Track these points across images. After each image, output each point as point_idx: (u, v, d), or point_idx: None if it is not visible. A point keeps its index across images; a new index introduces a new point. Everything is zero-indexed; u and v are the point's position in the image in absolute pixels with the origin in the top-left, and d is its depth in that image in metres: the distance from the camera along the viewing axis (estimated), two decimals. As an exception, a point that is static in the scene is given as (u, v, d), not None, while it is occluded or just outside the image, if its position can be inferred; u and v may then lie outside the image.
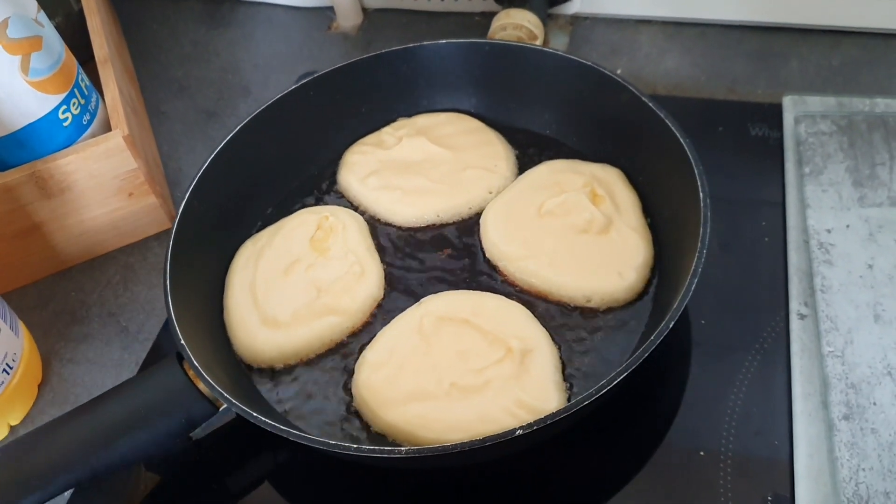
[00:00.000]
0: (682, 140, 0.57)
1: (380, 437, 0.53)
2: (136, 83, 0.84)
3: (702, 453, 0.51)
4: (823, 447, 0.50)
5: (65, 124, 0.64)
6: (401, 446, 0.51)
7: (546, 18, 0.79)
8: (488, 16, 0.80)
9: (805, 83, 0.72)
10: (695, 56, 0.77)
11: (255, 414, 0.48)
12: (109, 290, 0.68)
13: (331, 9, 0.89)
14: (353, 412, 0.54)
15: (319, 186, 0.69)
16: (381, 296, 0.60)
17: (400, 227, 0.65)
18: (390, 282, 0.61)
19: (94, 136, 0.66)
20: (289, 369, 0.57)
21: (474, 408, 0.51)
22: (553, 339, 0.55)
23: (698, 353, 0.56)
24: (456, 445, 0.45)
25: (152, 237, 0.71)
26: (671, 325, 0.48)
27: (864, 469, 0.48)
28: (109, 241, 0.70)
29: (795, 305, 0.56)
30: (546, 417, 0.45)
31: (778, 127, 0.68)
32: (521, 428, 0.45)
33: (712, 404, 0.53)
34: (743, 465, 0.50)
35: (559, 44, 0.80)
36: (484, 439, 0.45)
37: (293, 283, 0.59)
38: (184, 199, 0.60)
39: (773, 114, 0.69)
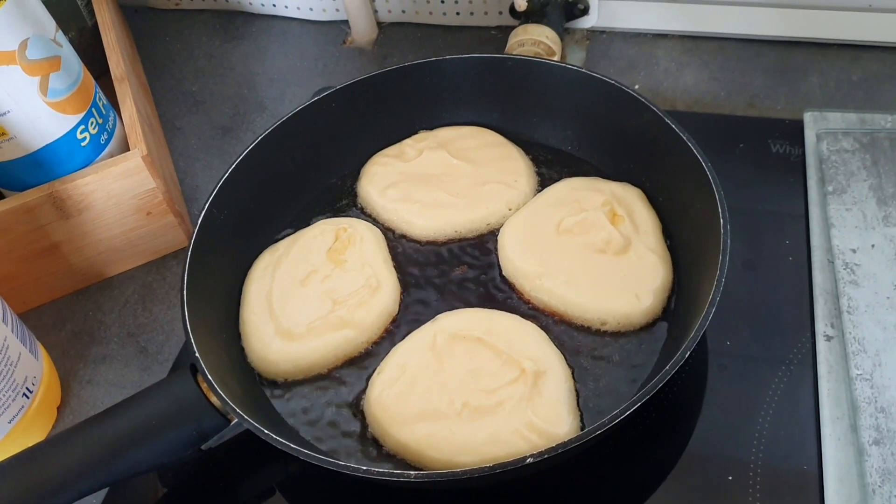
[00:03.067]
0: (703, 163, 0.56)
1: (391, 455, 0.53)
2: (150, 98, 0.84)
3: (730, 478, 0.51)
4: (854, 472, 0.49)
5: (83, 144, 0.64)
6: (411, 466, 0.51)
7: (563, 33, 0.78)
8: (504, 30, 0.79)
9: (825, 98, 0.71)
10: (713, 70, 0.76)
11: (265, 430, 0.48)
12: (128, 309, 0.67)
13: (346, 23, 0.88)
14: (366, 428, 0.54)
15: (339, 198, 0.68)
16: (397, 310, 0.60)
17: (418, 241, 0.64)
18: (406, 296, 0.61)
19: (111, 155, 0.66)
20: (302, 382, 0.57)
21: (485, 429, 0.51)
22: (567, 362, 0.55)
23: (723, 374, 0.56)
24: (465, 471, 0.45)
25: (170, 255, 0.70)
26: (687, 355, 0.48)
27: (896, 496, 0.47)
28: (128, 260, 0.70)
29: (822, 327, 0.55)
30: (558, 446, 0.45)
31: (799, 143, 0.67)
32: (531, 456, 0.45)
33: (739, 427, 0.53)
34: (772, 489, 0.50)
35: (576, 59, 0.79)
36: (493, 466, 0.45)
37: (309, 295, 0.59)
38: (203, 208, 0.60)
39: (793, 130, 0.68)
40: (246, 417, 0.49)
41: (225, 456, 0.57)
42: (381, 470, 0.46)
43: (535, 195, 0.65)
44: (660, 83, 0.75)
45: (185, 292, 0.55)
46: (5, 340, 0.55)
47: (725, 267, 0.51)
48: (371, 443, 0.53)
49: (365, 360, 0.58)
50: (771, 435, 0.52)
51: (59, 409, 0.62)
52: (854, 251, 0.58)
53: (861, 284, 0.56)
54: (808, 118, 0.68)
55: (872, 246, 0.58)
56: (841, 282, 0.57)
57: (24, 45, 0.58)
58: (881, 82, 0.72)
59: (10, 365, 0.55)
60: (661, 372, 0.47)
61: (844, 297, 0.56)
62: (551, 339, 0.56)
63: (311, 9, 0.88)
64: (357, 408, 0.55)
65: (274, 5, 0.90)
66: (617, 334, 0.56)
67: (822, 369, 0.54)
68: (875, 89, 0.71)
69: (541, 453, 0.45)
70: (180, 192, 0.76)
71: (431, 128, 0.70)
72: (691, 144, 0.57)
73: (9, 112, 0.59)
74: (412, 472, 0.45)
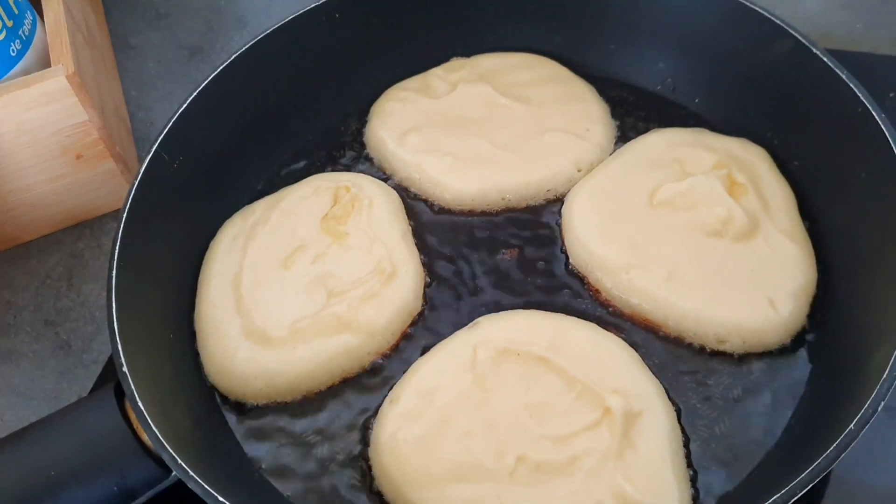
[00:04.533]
0: (877, 117, 0.43)
1: (407, 527, 0.38)
2: (98, 5, 0.71)
3: None
4: None
5: None
6: None
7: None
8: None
9: None
10: (844, -3, 0.64)
11: (219, 498, 0.34)
12: (48, 287, 0.55)
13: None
14: (369, 484, 0.41)
15: (339, 145, 0.56)
16: (419, 308, 0.47)
17: (449, 210, 0.51)
18: (432, 289, 0.48)
19: (27, 72, 0.53)
20: (281, 408, 0.44)
21: (553, 499, 0.38)
22: (670, 397, 0.41)
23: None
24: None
25: (109, 215, 0.58)
26: (880, 407, 0.33)
27: None
28: (50, 219, 0.57)
29: None
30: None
31: None
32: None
33: None
34: None
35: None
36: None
37: (294, 281, 0.46)
38: (150, 150, 0.47)
39: None
40: (191, 473, 0.35)
41: None
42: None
43: (613, 151, 0.53)
44: (773, 9, 0.59)
45: (113, 272, 0.42)
46: None
47: None
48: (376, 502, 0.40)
49: (372, 381, 0.44)
50: None
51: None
52: None
53: None
54: None
55: None
56: None
57: None
58: None
59: None
60: (845, 433, 0.33)
61: None
62: (645, 363, 0.43)
63: None
64: (360, 455, 0.42)
65: None
66: (741, 357, 0.43)
67: None
68: None
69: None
70: (129, 129, 0.63)
71: (470, 54, 0.58)
72: (854, 87, 0.44)
73: None
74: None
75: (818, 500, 0.40)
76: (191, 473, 0.34)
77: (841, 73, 0.45)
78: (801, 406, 0.40)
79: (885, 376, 0.34)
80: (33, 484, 0.36)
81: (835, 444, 0.32)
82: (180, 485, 0.40)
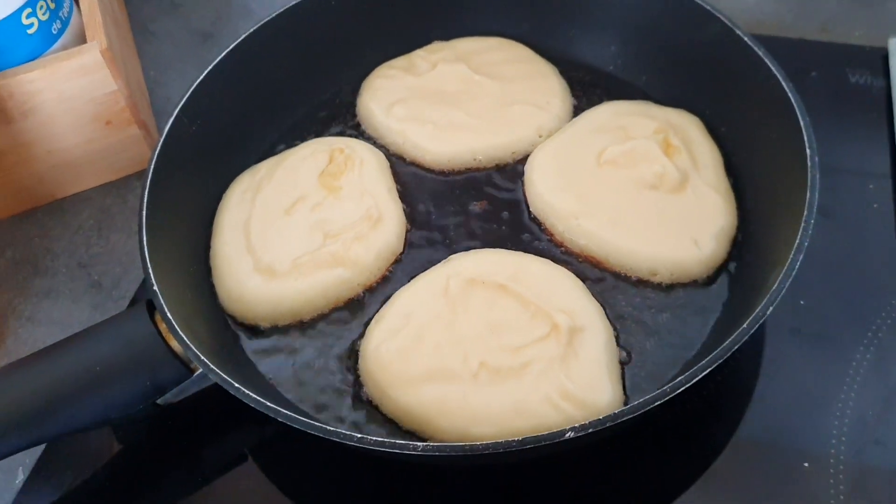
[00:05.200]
0: (785, 87, 0.48)
1: (389, 421, 0.44)
2: None
3: (806, 464, 0.43)
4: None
5: (29, 31, 0.55)
6: (412, 435, 0.43)
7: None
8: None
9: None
10: (778, -11, 0.68)
11: (236, 385, 0.40)
12: (81, 236, 0.59)
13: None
14: (359, 388, 0.46)
15: (335, 114, 0.60)
16: (401, 249, 0.52)
17: (429, 169, 0.56)
18: (412, 233, 0.52)
19: (65, 49, 0.57)
20: (283, 329, 0.49)
21: (508, 395, 0.43)
22: (608, 317, 0.46)
23: (798, 341, 0.48)
24: (487, 445, 0.36)
25: (133, 176, 0.62)
26: (769, 311, 0.39)
27: None
28: (82, 178, 0.61)
29: (916, 289, 0.47)
30: (605, 419, 0.36)
31: (883, 74, 0.60)
32: (571, 430, 0.36)
33: (818, 405, 0.45)
34: (859, 478, 0.42)
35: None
36: (523, 440, 0.36)
37: (295, 225, 0.51)
38: (172, 115, 0.51)
39: (875, 59, 0.61)
40: (213, 367, 0.41)
41: (187, 414, 0.48)
42: (380, 440, 0.37)
43: (570, 120, 0.57)
44: (714, 1, 0.65)
45: (144, 212, 0.47)
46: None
47: (814, 206, 0.43)
48: (366, 405, 0.45)
49: (361, 306, 0.49)
50: (856, 415, 0.45)
51: (-9, 348, 0.54)
52: (957, 199, 0.49)
53: (967, 238, 0.47)
54: (894, 45, 0.58)
55: (979, 193, 0.49)
56: (941, 235, 0.47)
57: None
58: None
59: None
60: (738, 331, 0.39)
61: (946, 253, 0.47)
62: (591, 291, 0.47)
63: None
64: (350, 362, 0.47)
65: None
66: (669, 287, 0.48)
67: (920, 339, 0.44)
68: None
69: (584, 426, 0.36)
70: (148, 102, 0.67)
71: (448, 38, 0.62)
72: (769, 63, 0.50)
73: (-67, -19, 0.49)
74: (419, 444, 0.36)
75: (723, 450, 0.44)
76: (212, 367, 0.40)
77: (758, 51, 0.50)
78: (716, 324, 0.46)
79: (775, 286, 0.39)
80: (82, 378, 0.41)
81: (731, 338, 0.38)
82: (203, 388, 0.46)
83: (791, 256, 0.40)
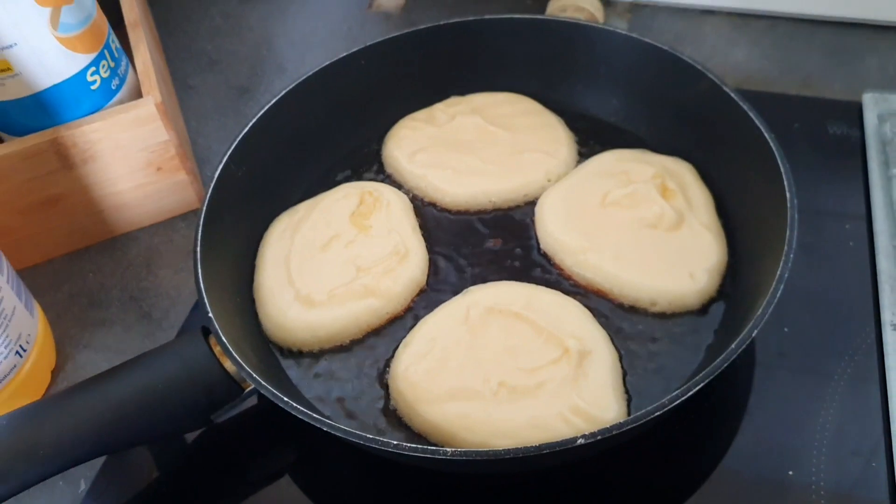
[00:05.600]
0: (767, 137, 0.53)
1: (417, 436, 0.48)
2: (162, 55, 0.80)
3: (791, 472, 0.47)
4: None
5: (92, 87, 0.60)
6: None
7: (605, 2, 0.75)
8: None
9: (884, 81, 0.68)
10: (764, 48, 0.72)
11: (285, 399, 0.44)
12: (131, 272, 0.63)
13: (372, -15, 0.84)
14: (390, 406, 0.50)
15: (364, 161, 0.65)
16: (425, 281, 0.56)
17: (448, 210, 0.60)
18: (435, 267, 0.57)
19: (121, 103, 0.62)
20: (321, 354, 0.53)
21: (525, 411, 0.47)
22: (613, 342, 0.51)
23: (784, 364, 0.52)
24: (508, 451, 0.40)
25: (179, 217, 0.66)
26: (754, 334, 0.44)
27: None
28: (133, 219, 0.65)
29: (889, 316, 0.52)
30: (612, 427, 0.41)
31: (858, 126, 0.64)
32: (583, 437, 0.41)
33: (798, 421, 0.49)
34: (838, 487, 0.46)
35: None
36: (541, 446, 0.40)
37: (331, 260, 0.55)
38: (221, 161, 0.56)
39: (852, 112, 0.65)
40: (264, 384, 0.45)
41: (234, 432, 0.53)
42: (413, 445, 0.41)
43: (576, 166, 0.61)
44: (708, 59, 0.71)
45: (198, 247, 0.51)
46: (0, 291, 0.50)
47: (794, 243, 0.47)
48: (396, 421, 0.49)
49: (390, 332, 0.54)
50: (836, 429, 0.49)
51: (53, 372, 0.58)
52: (924, 237, 0.54)
53: (934, 272, 0.52)
54: (868, 99, 0.64)
55: (944, 232, 0.54)
56: (911, 269, 0.53)
57: (35, -30, 0.53)
58: (941, 67, 0.68)
59: (5, 318, 0.50)
60: (727, 351, 0.43)
61: (915, 285, 0.52)
62: (596, 319, 0.52)
63: (336, -30, 0.84)
64: (381, 384, 0.51)
65: (297, -35, 0.86)
66: (667, 315, 0.52)
67: (891, 361, 0.50)
68: (935, 74, 0.68)
69: (593, 434, 0.41)
70: (191, 151, 0.71)
71: (465, 93, 0.66)
72: (753, 116, 0.54)
73: (15, 45, 0.54)
74: (448, 450, 0.41)
75: (716, 466, 0.48)
76: (263, 383, 0.44)
77: (743, 105, 0.54)
78: (709, 348, 0.50)
79: (759, 312, 0.43)
80: (146, 395, 0.45)
81: (721, 357, 0.42)
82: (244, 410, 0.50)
83: (773, 286, 0.45)
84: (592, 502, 0.49)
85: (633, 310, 0.53)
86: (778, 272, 0.46)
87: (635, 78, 0.62)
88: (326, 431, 0.43)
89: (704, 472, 0.49)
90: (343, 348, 0.53)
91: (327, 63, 0.63)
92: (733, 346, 0.43)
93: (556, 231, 0.56)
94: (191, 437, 0.53)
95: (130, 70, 0.65)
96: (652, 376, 0.50)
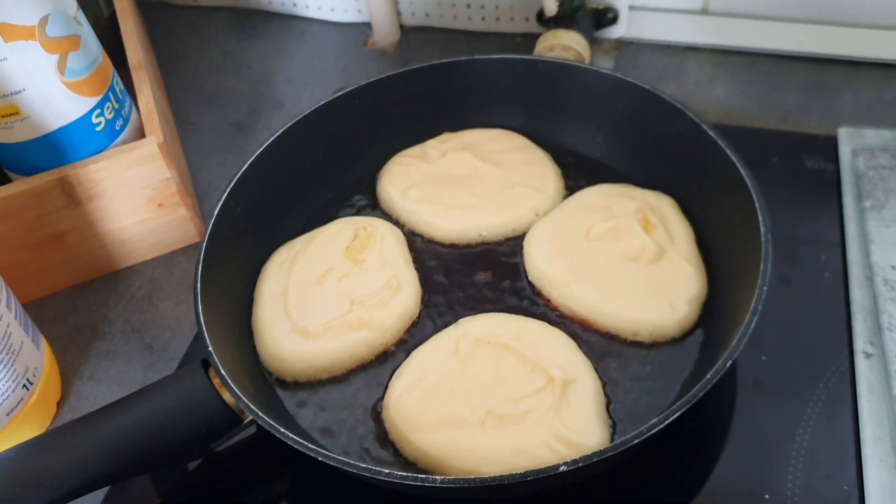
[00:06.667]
0: (743, 172, 0.55)
1: (408, 463, 0.50)
2: (164, 93, 0.83)
3: (766, 496, 0.49)
4: (898, 493, 0.47)
5: (98, 129, 0.62)
6: (431, 474, 0.49)
7: (592, 41, 0.78)
8: (530, 38, 0.79)
9: (859, 116, 0.70)
10: (745, 84, 0.75)
11: (281, 429, 0.46)
12: (133, 305, 0.65)
13: (367, 24, 0.87)
14: (384, 434, 0.52)
15: (359, 196, 0.67)
16: (417, 313, 0.58)
17: (440, 244, 0.63)
18: (427, 299, 0.59)
19: (125, 143, 0.64)
20: (316, 384, 0.55)
21: (511, 439, 0.49)
22: (596, 371, 0.53)
23: (760, 390, 0.54)
24: (494, 478, 0.42)
25: (179, 251, 0.69)
26: (729, 364, 0.46)
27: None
28: (135, 253, 0.68)
29: (861, 344, 0.54)
30: (593, 454, 0.43)
31: (834, 159, 0.66)
32: (565, 464, 0.42)
33: (775, 445, 0.51)
34: None
35: (604, 68, 0.77)
36: (525, 473, 0.42)
37: (326, 293, 0.57)
38: (221, 198, 0.58)
39: (828, 146, 0.67)
40: (262, 415, 0.47)
41: (232, 460, 0.55)
42: (404, 474, 0.43)
43: (563, 201, 0.63)
44: (690, 95, 0.74)
45: (198, 282, 0.53)
46: (8, 328, 0.52)
47: (767, 275, 0.49)
48: (389, 449, 0.51)
49: (383, 363, 0.56)
50: (809, 454, 0.50)
51: (58, 404, 0.59)
52: (894, 268, 0.56)
53: (903, 302, 0.54)
54: (843, 134, 0.67)
55: (914, 263, 0.56)
56: (881, 298, 0.55)
57: (44, 20, 0.56)
58: (914, 101, 0.71)
59: (13, 353, 0.53)
60: (703, 381, 0.45)
61: (885, 315, 0.54)
62: (580, 348, 0.54)
63: (332, 9, 0.87)
64: (375, 413, 0.53)
65: (294, 4, 0.89)
66: (649, 345, 0.54)
67: (863, 388, 0.52)
68: (908, 108, 0.70)
69: (575, 461, 0.42)
70: (192, 187, 0.74)
71: (456, 130, 0.69)
72: (730, 153, 0.56)
73: (24, 90, 0.57)
74: (437, 478, 0.43)
75: (700, 489, 0.50)
76: (261, 414, 0.46)
77: (720, 142, 0.55)
78: (689, 377, 0.52)
79: (734, 343, 0.45)
80: (148, 426, 0.47)
81: (697, 387, 0.44)
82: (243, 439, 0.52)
83: (748, 318, 0.47)
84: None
85: (616, 339, 0.55)
86: (752, 304, 0.48)
87: (619, 115, 0.64)
88: (321, 461, 0.45)
89: (688, 496, 0.50)
90: (338, 379, 0.55)
91: (323, 102, 0.65)
92: (709, 375, 0.45)
93: (542, 264, 0.58)
94: (191, 465, 0.54)
95: (134, 110, 0.67)
96: (634, 404, 0.52)
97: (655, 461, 0.51)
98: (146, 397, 0.49)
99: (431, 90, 0.68)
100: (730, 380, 0.55)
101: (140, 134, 0.66)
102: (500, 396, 0.50)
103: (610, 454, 0.43)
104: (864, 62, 0.75)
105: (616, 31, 0.79)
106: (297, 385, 0.55)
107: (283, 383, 0.55)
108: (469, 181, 0.64)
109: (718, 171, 0.57)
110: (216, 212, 0.57)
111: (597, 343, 0.55)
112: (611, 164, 0.66)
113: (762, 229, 0.51)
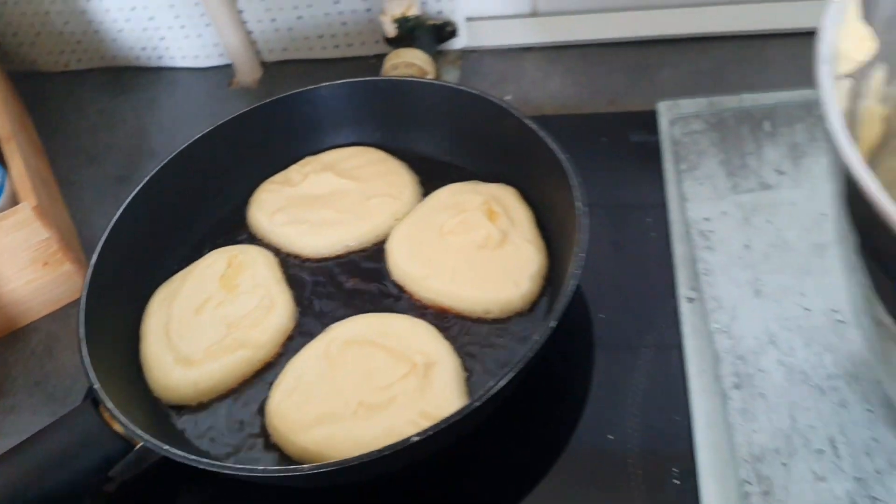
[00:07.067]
0: (559, 156, 0.60)
1: (295, 462, 0.54)
2: (43, 157, 0.85)
3: (610, 436, 0.55)
4: (719, 417, 0.53)
5: None
6: None
7: (436, 55, 0.83)
8: (382, 58, 0.84)
9: (678, 88, 0.77)
10: (577, 76, 0.81)
11: (165, 447, 0.50)
12: (34, 360, 0.68)
13: (230, 66, 0.92)
14: (268, 438, 0.56)
15: (231, 228, 0.70)
16: (292, 326, 0.62)
17: (311, 259, 0.67)
18: (301, 312, 0.63)
19: (3, 209, 0.67)
20: (207, 405, 0.59)
21: (381, 424, 0.53)
22: (457, 351, 0.58)
23: (601, 345, 0.60)
24: (353, 459, 0.47)
25: (72, 304, 0.71)
26: (552, 324, 0.51)
27: (755, 431, 0.51)
28: (30, 311, 0.70)
29: (684, 291, 0.60)
30: (441, 422, 0.48)
31: (655, 131, 0.71)
32: (417, 435, 0.47)
33: (618, 390, 0.57)
34: (649, 442, 0.54)
35: (451, 77, 0.84)
36: (381, 449, 0.47)
37: (205, 322, 0.61)
38: (95, 252, 0.61)
39: (650, 120, 0.73)
40: (148, 438, 0.51)
41: (134, 487, 0.58)
42: (277, 468, 0.48)
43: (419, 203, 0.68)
44: (528, 92, 0.80)
45: (82, 329, 0.56)
46: None
47: (585, 243, 0.55)
48: (275, 452, 0.55)
49: (264, 377, 0.60)
50: (646, 394, 0.56)
51: (-34, 463, 0.61)
52: (707, 220, 0.63)
53: (715, 249, 0.61)
54: (662, 107, 0.74)
55: (723, 213, 0.63)
56: (697, 248, 0.62)
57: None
58: (727, 68, 0.78)
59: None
60: (531, 343, 0.51)
61: (701, 262, 0.61)
62: (442, 333, 0.59)
63: (195, 56, 0.92)
64: (260, 421, 0.57)
65: (160, 57, 0.93)
66: (502, 320, 0.60)
67: (687, 329, 0.58)
68: (721, 75, 0.78)
69: (425, 431, 0.47)
70: (79, 242, 0.77)
71: (317, 152, 0.73)
72: (547, 140, 0.61)
73: None
74: (305, 466, 0.48)
75: (564, 444, 0.55)
76: (147, 437, 0.50)
77: (540, 133, 0.60)
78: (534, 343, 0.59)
79: (557, 309, 0.51)
80: (48, 463, 0.51)
81: (527, 348, 0.49)
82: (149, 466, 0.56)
83: (569, 283, 0.53)
84: (461, 488, 0.55)
85: (471, 319, 0.60)
86: (570, 270, 0.54)
87: (458, 120, 0.69)
88: (204, 469, 0.49)
89: (557, 449, 0.56)
90: (224, 397, 0.59)
91: (185, 145, 0.68)
92: (537, 337, 0.51)
93: (402, 263, 0.63)
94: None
95: (7, 179, 0.70)
96: (491, 374, 0.57)
97: (521, 418, 0.57)
98: (40, 440, 0.53)
99: (287, 119, 0.72)
100: (586, 336, 0.61)
101: (15, 201, 0.68)
102: (369, 387, 0.54)
103: (456, 419, 0.48)
104: (678, 39, 0.82)
105: (458, 43, 0.85)
106: (188, 409, 0.59)
107: (176, 408, 0.59)
108: (331, 198, 0.68)
109: (543, 159, 0.62)
110: (92, 263, 0.61)
111: (457, 325, 0.60)
112: (459, 165, 0.71)
113: (578, 205, 0.57)
